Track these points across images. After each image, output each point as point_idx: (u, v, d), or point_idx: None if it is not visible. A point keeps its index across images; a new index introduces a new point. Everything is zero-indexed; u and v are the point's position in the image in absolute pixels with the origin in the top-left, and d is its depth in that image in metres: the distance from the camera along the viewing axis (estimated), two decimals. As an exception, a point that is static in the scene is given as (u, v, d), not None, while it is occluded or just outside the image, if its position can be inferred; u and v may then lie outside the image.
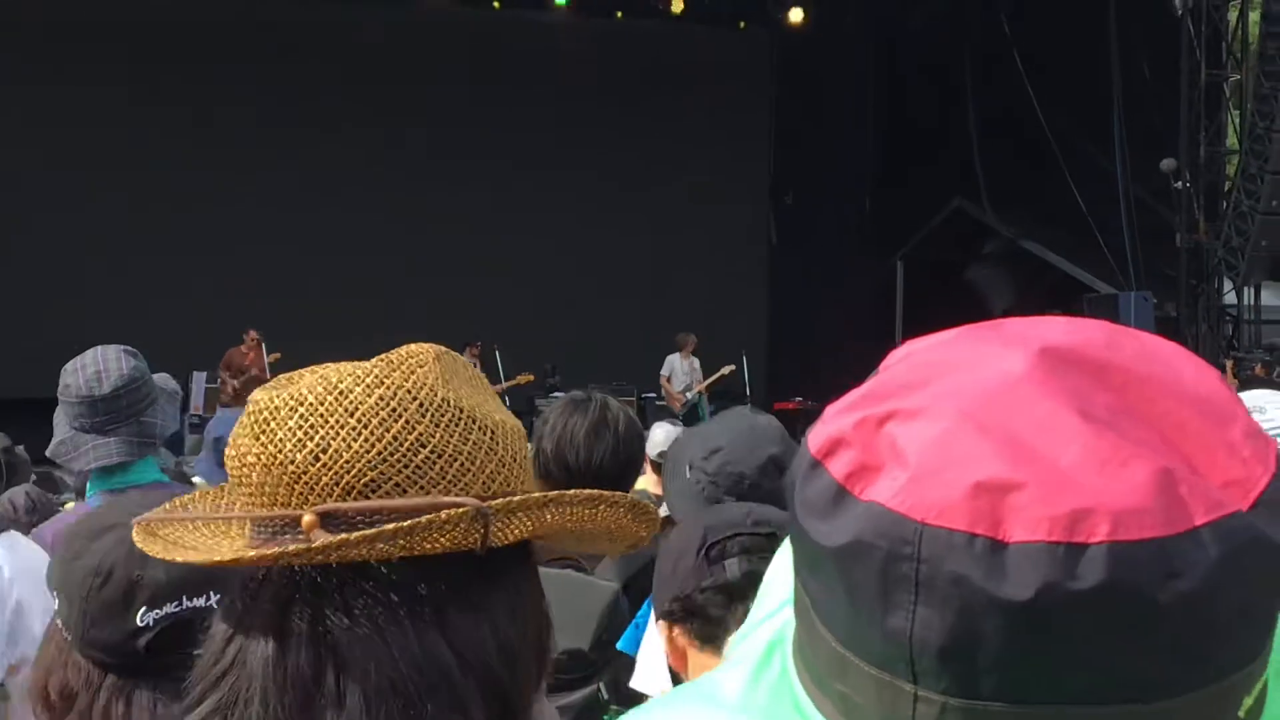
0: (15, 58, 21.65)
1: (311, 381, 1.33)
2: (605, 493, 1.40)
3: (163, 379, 4.61)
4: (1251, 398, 2.50)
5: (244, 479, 1.34)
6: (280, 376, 1.40)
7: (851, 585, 0.81)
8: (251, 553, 1.27)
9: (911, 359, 0.89)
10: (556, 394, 17.79)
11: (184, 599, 2.23)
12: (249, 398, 1.37)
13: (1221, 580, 0.76)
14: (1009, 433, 0.79)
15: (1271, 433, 2.27)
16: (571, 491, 1.37)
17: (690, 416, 20.20)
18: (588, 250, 23.63)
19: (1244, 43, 19.54)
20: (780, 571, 1.04)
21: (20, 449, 6.49)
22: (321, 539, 1.25)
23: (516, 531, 1.31)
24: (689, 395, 20.48)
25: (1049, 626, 0.76)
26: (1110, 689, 0.77)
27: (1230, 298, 19.61)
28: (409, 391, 1.32)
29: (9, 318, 20.86)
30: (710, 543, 2.59)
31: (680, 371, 20.65)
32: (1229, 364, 18.20)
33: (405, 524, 1.24)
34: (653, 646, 3.31)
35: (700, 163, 24.06)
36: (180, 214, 22.03)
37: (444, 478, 1.30)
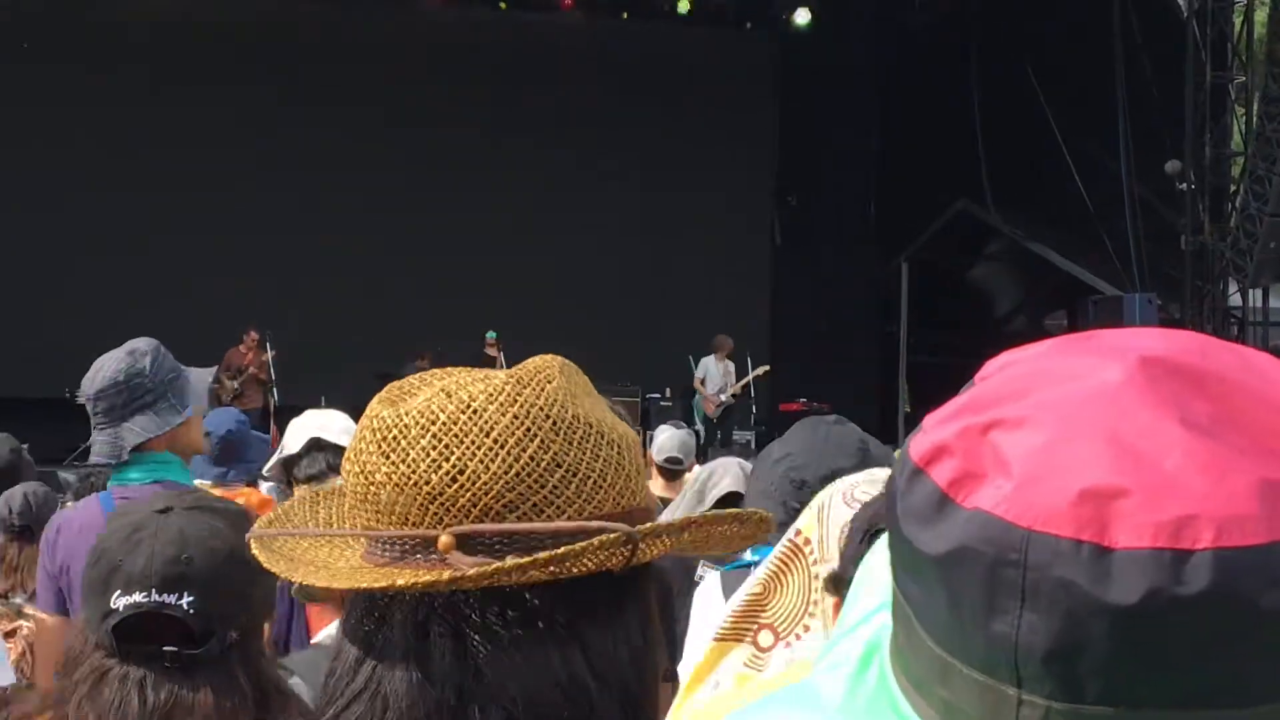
0: (14, 55, 21.68)
1: (439, 399, 1.32)
2: (738, 511, 1.42)
3: (198, 378, 4.61)
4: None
5: (369, 496, 1.32)
6: (391, 387, 1.39)
7: (955, 591, 0.82)
8: (400, 580, 1.24)
9: (1008, 370, 0.90)
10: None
11: (153, 592, 2.32)
12: (368, 411, 1.35)
13: None
14: (1112, 440, 0.81)
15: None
16: (713, 513, 1.39)
17: (724, 417, 20.27)
18: (591, 250, 23.63)
19: (1249, 45, 19.53)
20: (874, 571, 1.04)
21: (24, 449, 6.49)
22: (473, 567, 1.24)
23: (656, 550, 1.32)
24: (723, 397, 20.50)
25: (1154, 631, 0.77)
26: (1212, 693, 0.78)
27: (1235, 299, 19.60)
28: (542, 409, 1.31)
29: (8, 317, 20.88)
30: (876, 529, 2.60)
31: (715, 374, 20.68)
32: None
33: (559, 551, 1.23)
34: (696, 631, 3.34)
35: (704, 163, 24.08)
36: (180, 213, 22.06)
37: (579, 497, 1.30)
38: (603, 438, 1.34)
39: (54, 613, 4.15)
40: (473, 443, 1.29)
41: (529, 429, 1.30)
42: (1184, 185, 18.81)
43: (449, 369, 1.40)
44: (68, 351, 19.86)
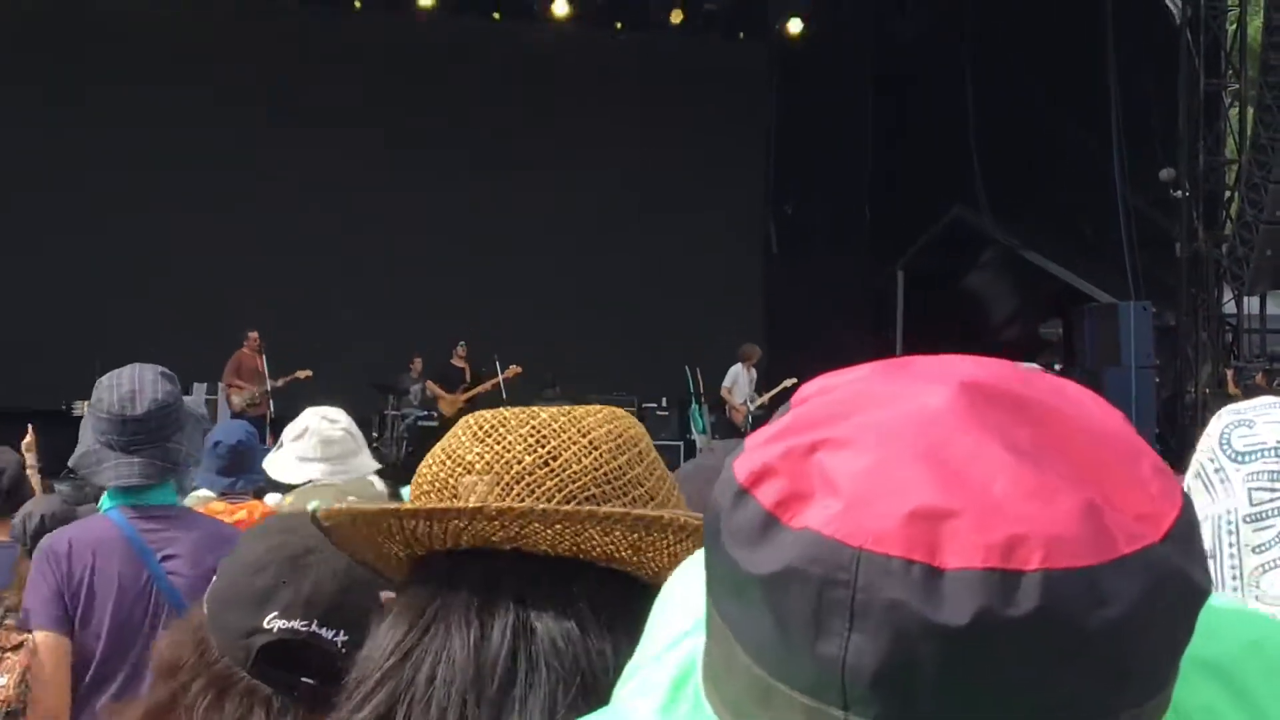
0: (10, 69, 21.68)
1: (541, 408, 1.42)
2: None
3: (194, 404, 4.61)
4: (1246, 407, 2.49)
5: (448, 484, 1.38)
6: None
7: (781, 612, 0.81)
8: (494, 504, 1.31)
9: (829, 394, 0.89)
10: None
11: (314, 622, 2.23)
12: (460, 422, 1.43)
13: (1145, 609, 0.78)
14: (938, 462, 0.81)
15: (1254, 448, 2.28)
16: None
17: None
18: (587, 260, 23.63)
19: (1242, 52, 19.54)
20: (678, 596, 1.04)
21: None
22: (570, 505, 1.31)
23: None
24: (751, 406, 20.49)
25: (984, 652, 0.77)
26: (1042, 714, 0.78)
27: (1230, 307, 19.61)
28: (632, 437, 1.41)
29: (10, 331, 20.85)
30: None
31: (743, 382, 20.65)
32: (1230, 374, 18.20)
33: (650, 514, 1.31)
34: None
35: (699, 172, 24.08)
36: (172, 227, 22.08)
37: None
38: (675, 487, 1.43)
39: (55, 630, 4.04)
40: (569, 438, 1.37)
41: (620, 444, 1.39)
42: (1178, 193, 18.81)
43: None
44: (63, 364, 19.98)
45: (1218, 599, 0.88)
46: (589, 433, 1.37)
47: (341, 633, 2.24)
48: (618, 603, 1.32)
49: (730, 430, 20.20)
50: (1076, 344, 20.44)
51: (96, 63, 22.03)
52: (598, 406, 1.43)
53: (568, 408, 1.41)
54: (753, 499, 0.84)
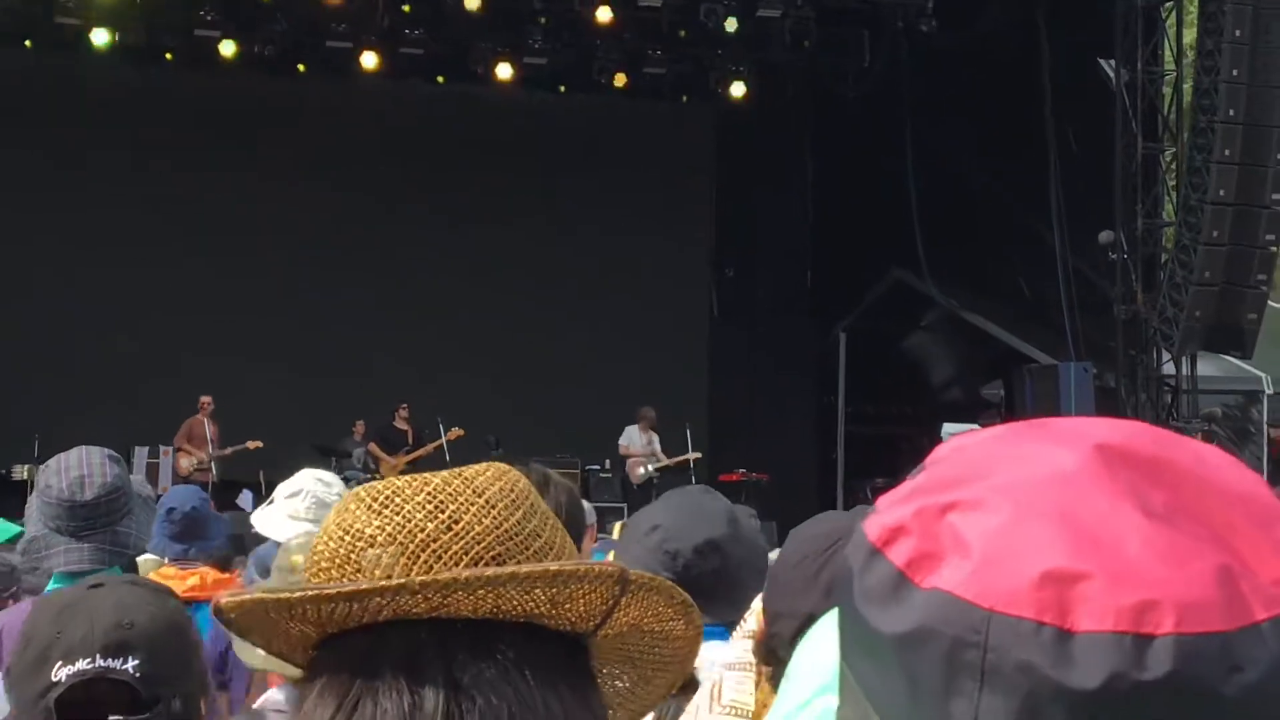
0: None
1: (430, 473, 1.40)
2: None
3: (139, 484, 4.58)
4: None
5: (350, 558, 1.35)
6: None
7: (913, 672, 0.82)
8: (418, 578, 1.28)
9: (961, 454, 0.90)
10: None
11: (97, 657, 2.22)
12: (346, 497, 1.41)
13: None
14: (1071, 524, 0.81)
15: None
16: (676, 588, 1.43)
17: (646, 489, 20.30)
18: (529, 323, 23.63)
19: (1179, 115, 19.81)
20: (809, 657, 1.03)
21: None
22: (491, 570, 1.28)
23: (634, 613, 1.38)
24: (648, 469, 20.52)
25: (1113, 716, 0.77)
26: None
27: (1169, 368, 19.78)
28: (523, 490, 1.40)
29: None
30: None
31: (638, 443, 20.72)
32: (1169, 434, 18.32)
33: (568, 567, 1.30)
34: None
35: (641, 235, 24.15)
36: (116, 290, 21.96)
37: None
38: (561, 530, 1.42)
39: None
40: (466, 500, 1.35)
41: (514, 499, 1.38)
42: (1115, 255, 19.01)
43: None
44: (1, 428, 19.79)
45: None
46: (483, 492, 1.36)
47: (130, 658, 2.24)
48: (540, 655, 1.31)
49: (629, 490, 20.34)
50: (1018, 405, 20.56)
51: (33, 125, 21.89)
52: (485, 465, 1.42)
53: (458, 470, 1.39)
54: (884, 558, 0.85)
